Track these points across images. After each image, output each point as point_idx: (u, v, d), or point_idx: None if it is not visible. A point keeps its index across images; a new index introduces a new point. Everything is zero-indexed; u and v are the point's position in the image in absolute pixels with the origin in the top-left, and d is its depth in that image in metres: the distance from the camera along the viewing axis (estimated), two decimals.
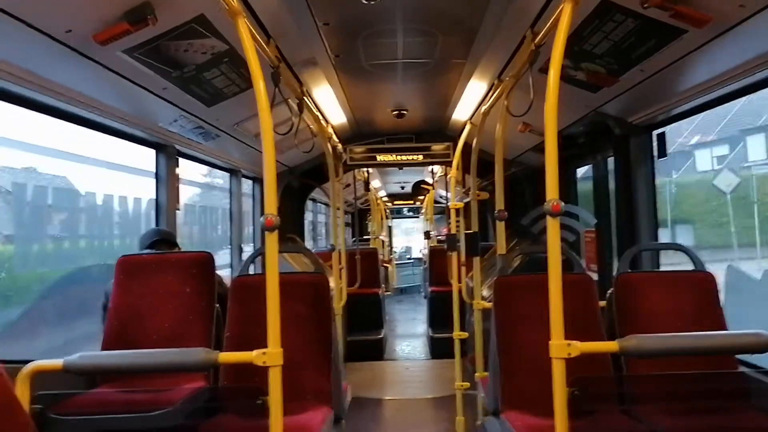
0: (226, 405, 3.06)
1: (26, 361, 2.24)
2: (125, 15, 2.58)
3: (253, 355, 2.07)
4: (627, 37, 3.05)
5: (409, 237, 22.68)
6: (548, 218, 2.02)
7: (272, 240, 2.13)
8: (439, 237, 14.82)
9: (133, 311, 3.31)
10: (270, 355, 2.07)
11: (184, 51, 3.16)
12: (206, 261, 3.44)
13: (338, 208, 5.94)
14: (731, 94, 3.30)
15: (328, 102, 5.52)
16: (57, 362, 2.19)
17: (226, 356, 2.27)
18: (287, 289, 3.19)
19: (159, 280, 3.38)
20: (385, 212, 17.02)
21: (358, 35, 3.96)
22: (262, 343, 2.09)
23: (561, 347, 1.96)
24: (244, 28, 2.21)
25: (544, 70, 2.20)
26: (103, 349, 3.21)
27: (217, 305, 3.43)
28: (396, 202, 18.73)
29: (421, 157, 7.39)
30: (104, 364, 2.37)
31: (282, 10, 3.29)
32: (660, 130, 4.13)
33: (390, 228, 19.80)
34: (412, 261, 19.27)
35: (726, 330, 3.03)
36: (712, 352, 2.49)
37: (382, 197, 16.22)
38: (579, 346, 1.96)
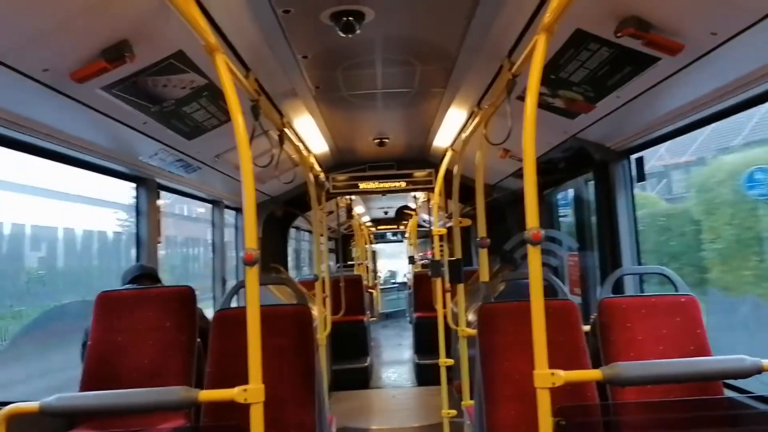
0: None
1: (2, 404, 2.19)
2: (102, 53, 2.58)
3: (234, 392, 2.04)
4: (602, 65, 3.10)
5: (394, 260, 22.65)
6: (529, 246, 2.02)
7: (252, 274, 2.11)
8: (423, 261, 14.81)
9: (112, 348, 3.26)
10: (251, 392, 2.03)
11: (163, 86, 3.16)
12: (187, 295, 3.40)
13: (321, 235, 5.92)
14: (707, 119, 3.35)
15: (310, 132, 5.53)
16: (33, 405, 2.14)
17: (206, 394, 2.23)
18: (269, 321, 3.16)
19: (139, 316, 3.34)
20: (369, 237, 16.99)
21: (337, 67, 3.99)
22: (244, 378, 2.06)
23: (545, 377, 1.95)
24: (223, 64, 2.22)
25: (522, 98, 2.22)
26: (82, 386, 3.16)
27: (199, 339, 3.40)
28: (380, 227, 18.72)
29: (403, 184, 7.41)
30: (81, 406, 2.31)
31: (261, 45, 3.31)
32: (638, 155, 4.17)
33: (374, 253, 19.76)
34: (396, 285, 19.23)
35: (710, 354, 3.04)
36: (695, 378, 2.49)
37: (365, 222, 16.20)
38: (563, 376, 1.95)
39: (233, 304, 3.65)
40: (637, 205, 4.21)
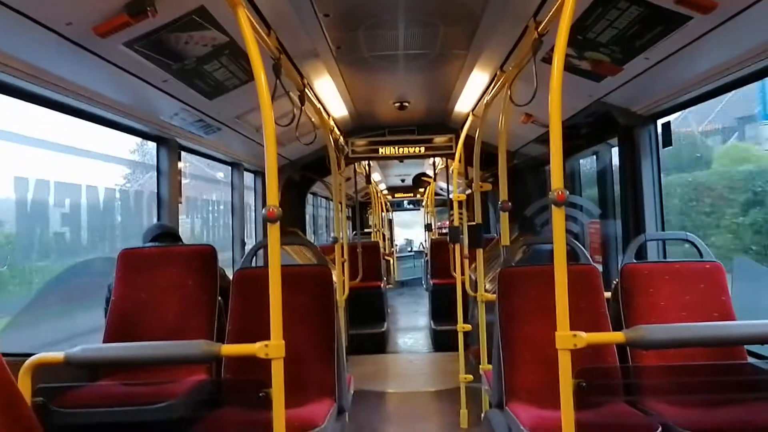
0: (228, 398, 3.06)
1: (28, 355, 2.23)
2: (125, 7, 2.55)
3: (256, 347, 2.06)
4: (631, 25, 3.02)
5: (410, 230, 22.67)
6: (553, 208, 2.00)
7: (274, 231, 2.12)
8: (441, 230, 14.82)
9: (135, 304, 3.31)
10: (272, 347, 2.06)
11: (184, 43, 3.14)
12: (208, 254, 3.43)
13: (340, 202, 5.93)
14: (738, 81, 3.27)
15: (330, 94, 5.49)
16: (58, 355, 2.18)
17: (229, 348, 2.26)
18: (290, 281, 3.18)
19: (161, 273, 3.38)
20: (386, 205, 16.99)
21: (359, 26, 3.93)
22: (264, 335, 2.08)
23: (567, 338, 1.94)
24: (245, 19, 2.19)
25: (548, 60, 2.18)
26: (105, 342, 3.21)
27: (220, 298, 3.43)
28: (396, 195, 18.71)
29: (423, 149, 7.35)
30: (106, 357, 2.37)
31: (282, 2, 3.26)
32: (664, 120, 4.09)
33: (391, 221, 19.78)
34: (413, 254, 19.29)
35: (735, 320, 3.01)
36: (719, 343, 2.47)
37: (382, 190, 16.18)
38: (585, 338, 1.94)
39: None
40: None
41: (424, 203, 16.63)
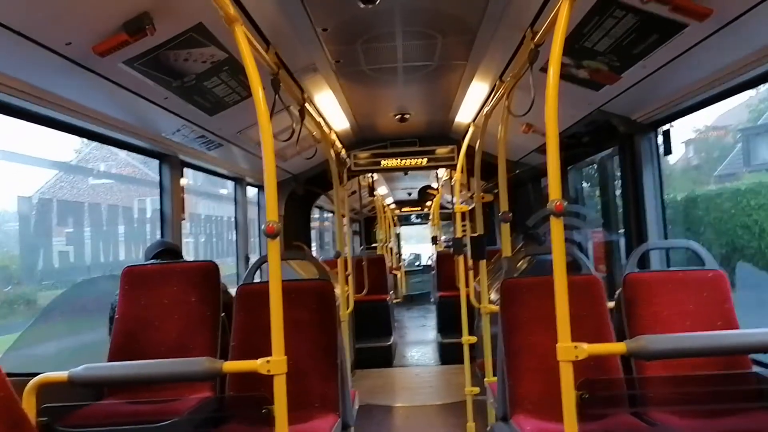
0: (232, 414, 3.05)
1: (32, 374, 2.23)
2: (124, 26, 2.58)
3: (257, 364, 2.06)
4: (628, 34, 3.02)
5: (419, 244, 22.62)
6: (552, 218, 1.99)
7: (274, 247, 2.12)
8: (447, 243, 14.80)
9: (138, 322, 3.31)
10: (274, 363, 2.05)
11: (184, 60, 3.16)
12: (211, 270, 3.43)
13: (343, 215, 5.92)
14: (737, 87, 3.27)
15: (330, 108, 5.51)
16: (62, 374, 2.18)
17: (230, 365, 2.26)
18: (292, 296, 3.19)
19: (164, 290, 3.38)
20: (393, 219, 16.98)
21: (357, 40, 3.95)
22: (267, 351, 2.08)
23: (568, 350, 1.93)
24: (242, 35, 2.21)
25: (545, 70, 2.18)
26: (110, 360, 3.21)
27: (223, 314, 3.43)
28: (404, 209, 18.66)
29: (425, 161, 7.34)
30: (109, 376, 2.37)
31: (280, 17, 3.29)
32: (665, 127, 4.09)
33: (398, 235, 19.74)
34: (421, 268, 19.24)
35: (739, 329, 2.98)
36: (722, 352, 2.45)
37: (389, 204, 16.17)
38: (586, 349, 1.93)
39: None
40: None
41: (430, 216, 16.61)
